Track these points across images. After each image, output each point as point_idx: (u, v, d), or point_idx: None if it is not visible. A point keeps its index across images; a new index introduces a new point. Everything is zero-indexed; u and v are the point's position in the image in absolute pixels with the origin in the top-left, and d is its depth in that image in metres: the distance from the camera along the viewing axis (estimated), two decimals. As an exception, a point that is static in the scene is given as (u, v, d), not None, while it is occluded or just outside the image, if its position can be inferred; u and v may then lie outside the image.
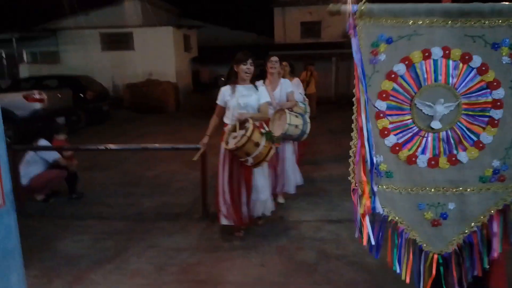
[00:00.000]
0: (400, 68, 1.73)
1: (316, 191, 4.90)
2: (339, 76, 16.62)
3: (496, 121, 1.72)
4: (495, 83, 1.71)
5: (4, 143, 1.79)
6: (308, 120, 4.20)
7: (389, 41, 1.72)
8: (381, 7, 1.71)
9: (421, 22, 1.69)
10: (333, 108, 13.98)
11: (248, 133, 3.10)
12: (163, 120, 12.44)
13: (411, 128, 1.77)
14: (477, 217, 1.78)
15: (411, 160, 1.78)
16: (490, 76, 1.70)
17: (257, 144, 3.16)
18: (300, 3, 19.26)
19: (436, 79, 1.73)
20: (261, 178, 3.54)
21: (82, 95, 10.95)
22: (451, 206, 1.78)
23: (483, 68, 1.70)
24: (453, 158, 1.76)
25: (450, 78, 1.72)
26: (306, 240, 3.58)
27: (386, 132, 1.77)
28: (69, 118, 9.87)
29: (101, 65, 15.29)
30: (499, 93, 1.71)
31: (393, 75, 1.74)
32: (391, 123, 1.77)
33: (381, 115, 1.77)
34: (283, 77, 4.45)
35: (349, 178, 1.85)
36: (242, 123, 3.34)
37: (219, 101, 3.59)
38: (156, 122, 12.14)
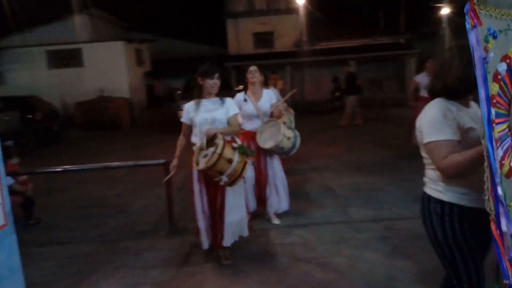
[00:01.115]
0: (504, 68, 1.44)
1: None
2: (294, 84, 16.99)
3: None
4: None
5: (3, 164, 1.86)
6: (298, 133, 4.06)
7: (495, 35, 1.42)
8: None
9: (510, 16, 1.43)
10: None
11: (219, 150, 2.88)
12: (118, 137, 12.12)
13: (509, 137, 1.46)
14: None
15: (511, 173, 1.45)
16: None
17: (230, 161, 2.94)
18: (252, 14, 19.61)
19: None
20: (233, 197, 3.27)
21: (30, 116, 10.47)
22: None
23: None
24: None
25: None
26: (276, 246, 3.65)
27: (497, 145, 1.42)
28: (18, 140, 9.38)
29: (48, 83, 14.71)
30: None
31: (499, 76, 1.43)
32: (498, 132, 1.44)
33: (494, 125, 1.42)
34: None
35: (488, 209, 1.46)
36: (211, 140, 3.08)
37: (183, 119, 3.35)
38: (111, 139, 11.80)
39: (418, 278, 2.93)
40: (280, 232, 3.96)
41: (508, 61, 1.44)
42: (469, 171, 1.69)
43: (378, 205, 4.53)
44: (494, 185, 1.38)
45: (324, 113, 14.93)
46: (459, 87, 1.76)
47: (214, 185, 3.15)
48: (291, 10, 18.81)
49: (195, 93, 3.31)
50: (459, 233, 1.80)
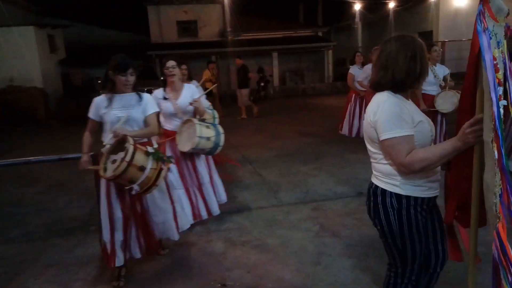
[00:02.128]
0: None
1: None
2: (219, 74, 17.02)
3: None
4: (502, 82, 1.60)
5: None
6: (221, 130, 3.74)
7: (490, 37, 1.44)
8: None
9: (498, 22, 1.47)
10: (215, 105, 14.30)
11: (128, 157, 2.51)
12: (33, 131, 11.18)
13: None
14: None
15: None
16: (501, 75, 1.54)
17: (141, 168, 2.60)
18: (174, 2, 19.11)
19: None
20: (154, 198, 2.99)
21: None
22: None
23: (498, 66, 1.54)
24: None
25: None
26: (212, 233, 3.76)
27: None
28: None
29: None
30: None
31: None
32: None
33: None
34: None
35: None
36: (121, 143, 2.68)
37: (91, 114, 2.92)
38: (25, 133, 10.86)
39: (344, 252, 3.25)
40: (215, 219, 4.07)
41: (495, 62, 1.48)
42: (434, 167, 1.72)
43: (305, 189, 4.86)
44: (510, 188, 1.34)
45: (252, 102, 15.19)
46: (406, 80, 1.77)
47: (127, 192, 2.82)
48: (215, -1, 18.71)
49: (107, 87, 2.91)
50: (415, 225, 1.82)
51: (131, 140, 2.63)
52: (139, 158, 2.61)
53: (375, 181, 1.92)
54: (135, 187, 2.65)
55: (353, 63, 7.56)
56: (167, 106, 3.64)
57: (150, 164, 2.66)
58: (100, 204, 2.94)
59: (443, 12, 18.29)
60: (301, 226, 3.80)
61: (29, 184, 5.76)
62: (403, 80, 1.76)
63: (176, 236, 3.23)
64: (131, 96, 2.91)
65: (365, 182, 4.88)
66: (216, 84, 4.73)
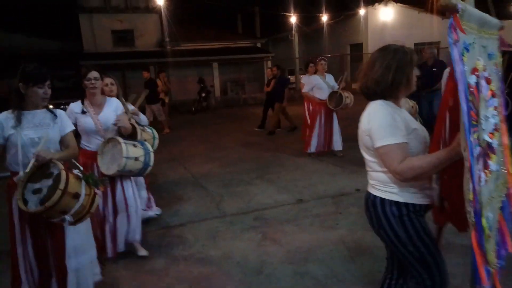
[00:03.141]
0: (474, 80, 1.51)
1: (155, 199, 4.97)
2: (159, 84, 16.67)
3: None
4: (496, 93, 1.71)
5: None
6: (150, 149, 3.39)
7: (467, 49, 1.47)
8: (467, 7, 1.48)
9: (475, 31, 1.54)
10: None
11: (62, 185, 2.20)
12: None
13: (478, 146, 1.50)
14: None
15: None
16: (493, 86, 1.69)
17: (76, 196, 2.28)
18: (108, 11, 18.46)
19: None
20: (75, 233, 2.56)
21: None
22: None
23: (490, 78, 1.66)
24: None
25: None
26: (153, 248, 3.65)
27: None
28: None
29: None
30: (498, 102, 1.72)
31: (470, 89, 1.47)
32: None
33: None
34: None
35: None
36: (41, 169, 2.35)
37: None
38: None
39: (285, 259, 3.32)
40: (157, 234, 3.97)
41: (476, 73, 1.52)
42: (427, 175, 1.74)
43: (247, 198, 4.90)
44: (475, 196, 1.41)
45: (193, 113, 15.12)
46: (376, 88, 1.79)
47: (47, 223, 2.42)
48: (151, 9, 18.39)
49: (13, 102, 2.46)
50: (421, 229, 1.80)
51: (60, 164, 2.31)
52: (73, 184, 2.29)
53: (372, 191, 1.90)
54: (68, 218, 2.29)
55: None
56: (87, 121, 3.19)
57: (84, 189, 2.35)
58: (15, 249, 2.51)
59: (371, 25, 19.61)
60: (244, 236, 3.83)
61: None
62: (373, 88, 1.80)
63: (99, 276, 2.85)
64: (44, 113, 2.52)
65: (303, 188, 5.08)
66: (144, 94, 4.01)
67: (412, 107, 6.29)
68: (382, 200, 1.84)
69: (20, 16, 19.40)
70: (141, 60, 17.03)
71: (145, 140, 3.59)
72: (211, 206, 4.74)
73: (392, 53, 1.78)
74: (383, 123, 1.73)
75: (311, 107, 6.96)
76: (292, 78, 21.55)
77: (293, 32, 19.92)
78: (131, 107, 3.67)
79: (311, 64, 7.26)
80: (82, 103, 3.24)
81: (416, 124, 1.82)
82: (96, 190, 2.46)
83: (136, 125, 3.51)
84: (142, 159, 3.21)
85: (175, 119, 12.34)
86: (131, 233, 3.41)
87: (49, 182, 2.29)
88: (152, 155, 3.34)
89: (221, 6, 20.72)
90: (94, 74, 3.20)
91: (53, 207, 2.20)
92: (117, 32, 18.80)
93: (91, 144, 3.28)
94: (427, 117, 6.76)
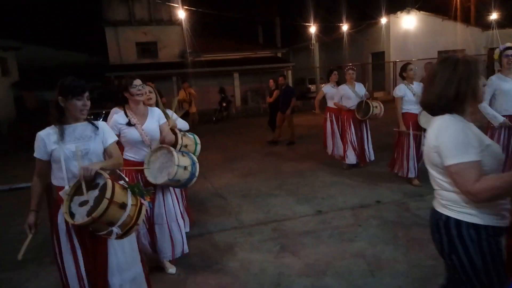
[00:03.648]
0: None
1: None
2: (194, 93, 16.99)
3: None
4: None
5: None
6: (195, 159, 3.34)
7: None
8: None
9: None
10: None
11: (108, 194, 2.15)
12: (-18, 157, 10.59)
13: None
14: None
15: None
16: None
17: (123, 206, 2.23)
18: (132, 24, 19.04)
19: None
20: (119, 249, 2.51)
21: None
22: None
23: None
24: None
25: None
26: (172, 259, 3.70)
27: None
28: None
29: None
30: None
31: None
32: None
33: None
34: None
35: None
36: (90, 181, 2.32)
37: (37, 154, 2.44)
38: (-27, 160, 10.26)
39: (302, 271, 3.30)
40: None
41: None
42: (506, 195, 1.62)
43: (266, 209, 4.91)
44: None
45: (214, 122, 15.30)
46: (438, 103, 1.70)
47: (92, 238, 2.39)
48: (174, 21, 18.86)
49: (52, 117, 2.47)
50: (498, 257, 1.67)
51: (105, 174, 2.28)
52: (119, 194, 2.23)
53: (444, 211, 1.74)
54: (115, 229, 2.21)
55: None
56: (133, 133, 3.13)
57: (130, 200, 2.29)
58: (61, 260, 2.45)
59: (394, 34, 19.41)
60: (262, 248, 3.83)
61: (-24, 215, 5.44)
62: (435, 103, 1.71)
63: None
64: (85, 126, 2.50)
65: (322, 200, 5.05)
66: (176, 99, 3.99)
67: (376, 107, 6.10)
68: (458, 222, 1.68)
69: (49, 29, 20.20)
70: (164, 71, 17.44)
71: (186, 146, 3.68)
72: (230, 216, 4.77)
73: (452, 65, 1.69)
74: (454, 140, 1.61)
75: (333, 117, 6.84)
76: (312, 87, 21.53)
77: (313, 41, 19.93)
78: (171, 113, 3.70)
79: (335, 72, 7.09)
80: (126, 114, 3.16)
81: (489, 140, 1.70)
82: (143, 201, 2.38)
83: (177, 132, 3.59)
84: (190, 168, 3.17)
85: (196, 128, 12.48)
86: (175, 247, 3.35)
87: (95, 193, 2.25)
88: (197, 165, 3.28)
89: (242, 18, 20.98)
90: (139, 81, 3.16)
91: (100, 217, 2.13)
92: (141, 44, 19.36)
93: (136, 155, 3.20)
94: None
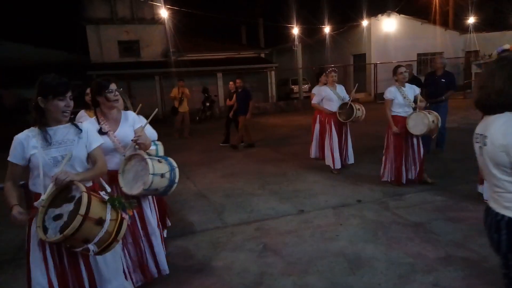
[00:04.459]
0: None
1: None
2: (164, 94, 16.87)
3: None
4: None
5: None
6: (175, 164, 3.06)
7: None
8: None
9: None
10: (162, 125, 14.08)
11: (83, 209, 1.96)
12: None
13: None
14: None
15: None
16: None
17: (100, 222, 2.04)
18: (114, 22, 18.79)
19: None
20: (104, 263, 2.32)
21: None
22: None
23: None
24: None
25: None
26: (154, 259, 3.68)
27: None
28: None
29: None
30: None
31: None
32: None
33: None
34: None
35: None
36: (65, 191, 2.13)
37: (12, 157, 2.21)
38: None
39: (285, 271, 3.34)
40: (158, 244, 4.00)
41: None
42: None
43: (249, 209, 4.94)
44: None
45: (198, 122, 15.26)
46: (498, 100, 1.71)
47: (71, 255, 2.22)
48: (157, 20, 18.68)
49: (33, 119, 2.24)
50: None
51: (81, 186, 2.07)
52: (96, 208, 2.04)
53: (508, 213, 1.73)
54: (92, 247, 2.03)
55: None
56: (105, 140, 2.75)
57: (109, 214, 2.09)
58: (29, 269, 2.24)
59: (374, 36, 19.75)
60: (245, 247, 3.85)
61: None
62: (496, 100, 1.71)
63: None
64: (67, 128, 2.28)
65: (305, 199, 5.11)
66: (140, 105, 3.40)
67: (359, 109, 6.06)
68: None
69: (28, 27, 19.77)
70: (146, 70, 17.27)
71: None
72: (213, 216, 4.77)
73: (510, 64, 1.73)
74: None
75: (321, 119, 6.76)
76: (295, 88, 21.68)
77: (296, 43, 20.08)
78: (142, 119, 3.38)
79: (324, 74, 6.98)
80: (97, 120, 2.87)
81: None
82: (124, 215, 2.17)
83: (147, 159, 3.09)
84: (168, 175, 2.90)
85: (184, 129, 12.40)
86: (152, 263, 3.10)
87: (70, 206, 2.05)
88: (177, 171, 3.02)
89: (226, 18, 20.98)
90: (114, 85, 2.86)
91: (73, 235, 1.95)
92: (123, 43, 19.12)
93: (109, 163, 2.74)
94: None
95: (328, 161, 6.34)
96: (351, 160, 6.46)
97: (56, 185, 2.08)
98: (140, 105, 3.36)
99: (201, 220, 4.66)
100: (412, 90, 5.26)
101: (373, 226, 4.12)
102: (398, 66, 5.33)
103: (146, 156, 2.82)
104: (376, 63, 18.64)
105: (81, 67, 17.00)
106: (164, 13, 16.72)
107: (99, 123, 2.86)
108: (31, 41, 19.59)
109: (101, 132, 2.80)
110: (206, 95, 16.12)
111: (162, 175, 2.83)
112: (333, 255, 3.55)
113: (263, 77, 20.69)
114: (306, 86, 21.11)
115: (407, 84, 5.28)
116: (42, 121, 2.22)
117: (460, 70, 20.23)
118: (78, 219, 1.94)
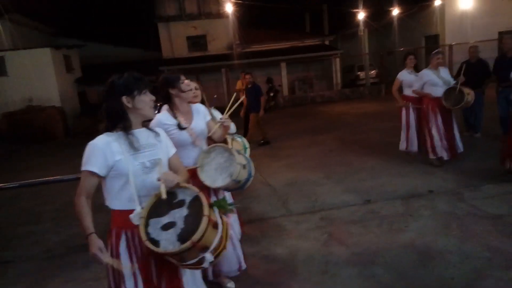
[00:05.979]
0: None
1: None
2: (230, 86, 17.31)
3: None
4: None
5: None
6: (248, 157, 3.03)
7: None
8: None
9: None
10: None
11: (206, 211, 1.74)
12: (51, 149, 11.54)
13: None
14: None
15: None
16: None
17: (216, 225, 1.83)
18: (182, 18, 19.65)
19: None
20: (191, 281, 2.08)
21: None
22: None
23: None
24: None
25: None
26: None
27: None
28: None
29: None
30: None
31: None
32: None
33: None
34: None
35: None
36: (169, 198, 1.84)
37: (93, 167, 1.88)
38: (44, 151, 11.23)
39: (350, 260, 3.32)
40: (226, 231, 4.19)
41: None
42: None
43: (313, 198, 4.95)
44: None
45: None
46: None
47: (160, 272, 1.94)
48: (222, 14, 19.16)
49: (103, 127, 1.99)
50: None
51: (193, 187, 1.87)
52: (211, 212, 1.82)
53: None
54: (208, 256, 1.76)
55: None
56: (183, 135, 2.70)
57: (219, 218, 1.88)
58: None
59: (449, 15, 18.29)
60: (310, 236, 3.89)
61: (47, 202, 5.98)
62: None
63: None
64: (146, 132, 2.04)
65: (371, 189, 4.99)
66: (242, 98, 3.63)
67: (469, 94, 5.44)
68: None
69: (108, 28, 21.38)
70: (213, 63, 17.84)
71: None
72: (278, 204, 4.86)
73: None
74: None
75: (410, 107, 6.02)
76: (361, 74, 20.95)
77: (362, 27, 19.32)
78: (218, 113, 3.36)
79: (410, 57, 6.24)
80: (174, 115, 2.73)
81: None
82: (226, 219, 1.98)
83: (226, 136, 3.16)
84: (247, 167, 2.80)
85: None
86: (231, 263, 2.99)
87: (183, 211, 1.80)
88: (252, 164, 2.92)
89: (289, 6, 20.82)
90: (183, 77, 2.77)
91: (198, 241, 1.70)
92: (191, 38, 19.95)
93: (185, 158, 2.64)
94: (503, 114, 6.18)
95: (414, 151, 6.01)
96: (460, 148, 5.68)
97: (167, 187, 1.85)
98: (215, 96, 3.52)
99: (266, 208, 4.77)
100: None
101: (445, 218, 3.91)
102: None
103: (230, 147, 2.78)
104: (451, 44, 17.28)
105: (154, 63, 18.03)
106: (229, 6, 17.07)
107: (175, 117, 2.73)
108: (111, 41, 21.18)
109: (180, 127, 2.70)
110: (270, 85, 16.24)
111: (244, 166, 2.75)
112: (401, 246, 3.44)
113: (327, 64, 20.29)
114: (373, 72, 20.29)
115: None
116: (127, 124, 1.95)
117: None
118: (205, 221, 1.70)
